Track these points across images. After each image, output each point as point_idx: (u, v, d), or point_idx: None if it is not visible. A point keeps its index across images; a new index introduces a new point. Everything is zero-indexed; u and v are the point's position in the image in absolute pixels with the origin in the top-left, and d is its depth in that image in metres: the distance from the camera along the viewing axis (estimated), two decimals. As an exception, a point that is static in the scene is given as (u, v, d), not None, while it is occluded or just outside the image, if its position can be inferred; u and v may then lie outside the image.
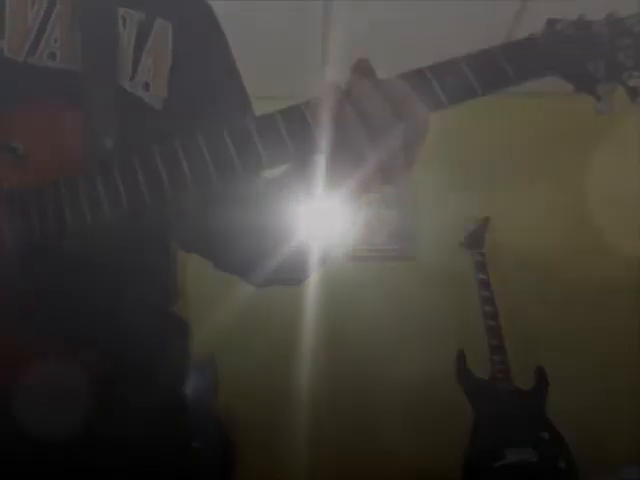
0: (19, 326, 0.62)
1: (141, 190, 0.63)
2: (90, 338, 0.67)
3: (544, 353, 2.68)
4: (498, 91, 0.67)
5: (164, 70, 0.79)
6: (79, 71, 0.73)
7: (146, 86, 0.77)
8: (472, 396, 2.51)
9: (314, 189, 0.68)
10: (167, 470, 0.76)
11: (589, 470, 2.40)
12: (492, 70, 0.66)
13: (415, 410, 2.71)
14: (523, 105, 2.79)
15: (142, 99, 0.76)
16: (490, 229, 2.77)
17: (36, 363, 0.62)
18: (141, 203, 0.63)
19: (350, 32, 2.57)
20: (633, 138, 2.75)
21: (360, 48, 2.55)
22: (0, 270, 0.62)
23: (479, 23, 2.48)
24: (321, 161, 0.66)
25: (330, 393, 2.69)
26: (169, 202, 0.64)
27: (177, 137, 0.64)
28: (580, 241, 2.85)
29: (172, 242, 0.85)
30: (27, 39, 0.72)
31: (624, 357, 2.68)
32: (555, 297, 2.79)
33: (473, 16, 2.45)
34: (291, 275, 0.83)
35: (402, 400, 2.72)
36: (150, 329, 0.75)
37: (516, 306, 2.79)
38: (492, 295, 2.60)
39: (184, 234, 0.84)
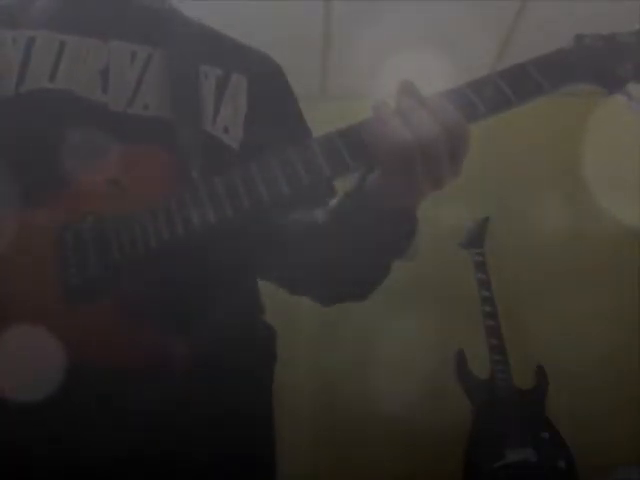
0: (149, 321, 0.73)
1: (222, 203, 0.73)
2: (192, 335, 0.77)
3: (544, 353, 2.68)
4: (533, 100, 0.74)
5: (240, 116, 0.91)
6: (168, 118, 0.86)
7: (225, 129, 0.90)
8: (472, 396, 2.51)
9: (372, 205, 0.77)
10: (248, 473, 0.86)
11: (589, 470, 2.40)
12: (526, 82, 0.74)
13: (415, 410, 2.71)
14: (523, 105, 2.79)
15: (222, 140, 0.89)
16: (490, 229, 2.77)
17: (151, 353, 0.72)
18: (223, 215, 0.73)
19: (350, 32, 2.57)
20: (632, 134, 2.76)
21: (360, 47, 2.55)
22: (131, 272, 0.74)
23: (479, 23, 2.48)
24: (376, 176, 0.75)
25: (329, 392, 2.69)
26: (248, 214, 0.74)
27: (253, 161, 0.75)
28: (581, 241, 2.86)
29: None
30: (126, 93, 0.86)
31: (624, 357, 2.68)
32: (555, 297, 2.79)
33: (473, 17, 2.45)
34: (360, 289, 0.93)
35: (402, 400, 2.72)
36: (243, 333, 0.88)
37: (516, 306, 2.79)
38: (492, 295, 2.60)
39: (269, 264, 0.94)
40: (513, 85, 0.73)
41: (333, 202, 0.84)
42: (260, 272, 0.95)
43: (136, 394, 0.73)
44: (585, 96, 2.96)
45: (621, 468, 2.44)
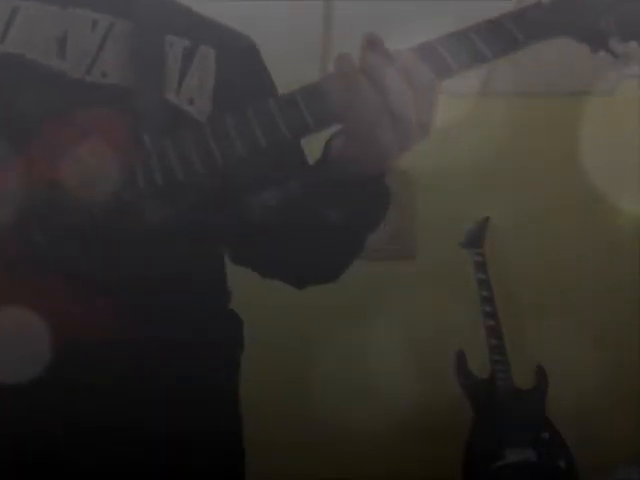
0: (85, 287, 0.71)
1: (173, 166, 0.70)
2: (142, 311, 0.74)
3: (544, 353, 2.68)
4: (509, 55, 0.70)
5: (208, 88, 0.87)
6: (127, 85, 0.82)
7: (191, 101, 0.85)
8: (472, 396, 2.51)
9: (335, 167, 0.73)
10: (205, 465, 0.84)
11: (589, 470, 2.40)
12: (502, 37, 0.69)
13: (415, 410, 2.71)
14: (523, 105, 2.79)
15: (186, 111, 0.85)
16: (490, 229, 2.77)
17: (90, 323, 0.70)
18: (173, 178, 0.70)
19: (350, 32, 2.57)
20: (632, 132, 2.76)
21: (360, 47, 2.50)
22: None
23: (478, 18, 2.48)
24: (341, 140, 0.71)
25: (329, 392, 2.69)
26: (203, 179, 0.71)
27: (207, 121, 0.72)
28: (581, 241, 2.86)
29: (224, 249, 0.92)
30: (85, 60, 0.83)
31: (625, 357, 2.68)
32: (555, 296, 2.79)
33: (473, 12, 2.45)
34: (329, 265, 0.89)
35: (401, 400, 2.72)
36: (208, 321, 0.84)
37: (516, 306, 2.79)
38: (492, 295, 2.60)
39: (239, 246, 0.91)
40: (488, 40, 0.69)
41: (304, 171, 0.82)
42: (230, 255, 0.92)
43: (87, 367, 0.72)
44: (585, 97, 2.97)
45: (621, 468, 2.44)
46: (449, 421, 2.58)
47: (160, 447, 0.77)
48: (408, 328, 2.76)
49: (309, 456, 2.64)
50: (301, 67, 2.86)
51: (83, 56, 0.83)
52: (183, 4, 0.96)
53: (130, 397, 0.75)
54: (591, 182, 2.86)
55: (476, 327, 2.57)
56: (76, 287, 0.71)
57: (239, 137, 0.69)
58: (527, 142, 2.86)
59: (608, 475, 2.44)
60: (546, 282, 2.80)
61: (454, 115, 2.53)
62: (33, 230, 0.71)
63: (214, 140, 0.70)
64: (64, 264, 0.72)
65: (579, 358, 2.71)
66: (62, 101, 0.79)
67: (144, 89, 0.83)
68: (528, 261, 2.83)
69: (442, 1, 2.40)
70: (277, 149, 0.71)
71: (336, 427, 2.67)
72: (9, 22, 0.82)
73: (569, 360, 2.68)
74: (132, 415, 0.75)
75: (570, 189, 2.85)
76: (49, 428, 0.72)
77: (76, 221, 0.71)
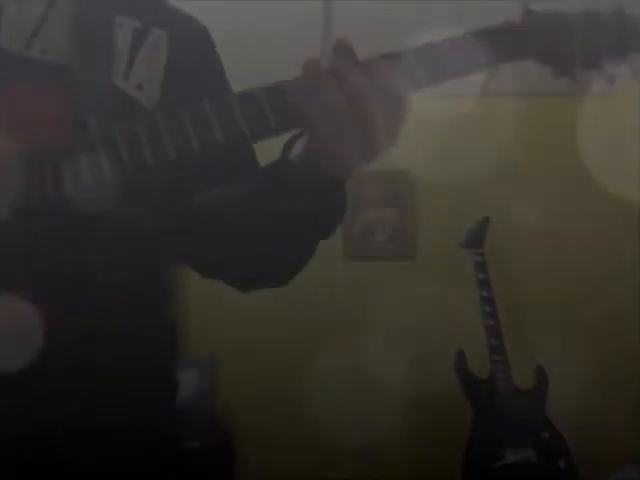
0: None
1: (124, 159, 0.65)
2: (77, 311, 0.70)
3: (544, 353, 2.68)
4: (478, 72, 0.69)
5: (158, 74, 0.82)
6: (70, 65, 0.76)
7: (139, 86, 0.80)
8: (472, 396, 2.51)
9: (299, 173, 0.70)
10: (146, 465, 0.78)
11: (589, 470, 2.40)
12: (472, 54, 0.69)
13: (415, 410, 2.71)
14: (524, 105, 2.79)
15: (134, 98, 0.80)
16: (490, 229, 2.77)
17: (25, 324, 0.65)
18: (122, 171, 0.65)
19: (350, 31, 2.58)
20: (632, 132, 2.76)
21: (360, 47, 2.52)
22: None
23: (479, 16, 2.48)
24: (305, 136, 0.68)
25: (330, 392, 2.69)
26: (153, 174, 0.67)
27: (159, 111, 0.68)
28: (582, 241, 2.85)
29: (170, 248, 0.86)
30: (24, 34, 0.77)
31: (625, 358, 2.68)
32: (555, 296, 2.79)
33: (474, 10, 2.45)
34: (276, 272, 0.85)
35: (402, 400, 2.72)
36: (142, 324, 0.78)
37: (516, 305, 2.79)
38: (492, 295, 2.60)
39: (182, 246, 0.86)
40: (457, 56, 0.69)
41: (255, 174, 0.78)
42: (174, 252, 0.87)
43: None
44: (585, 97, 2.96)
45: (621, 468, 2.44)
46: (449, 421, 2.58)
47: (97, 442, 0.73)
48: (408, 328, 2.76)
49: (309, 456, 2.64)
50: (301, 67, 2.87)
51: (21, 28, 0.77)
52: None
53: (65, 392, 0.71)
54: (591, 182, 2.86)
55: (476, 327, 2.57)
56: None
57: (194, 130, 0.66)
58: (527, 142, 2.86)
59: (608, 475, 2.44)
60: (546, 282, 2.80)
61: (454, 115, 2.54)
62: None
63: (167, 132, 0.66)
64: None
65: (579, 358, 2.71)
66: None
67: (90, 71, 0.77)
68: (528, 261, 2.83)
69: (441, 1, 2.40)
70: (231, 146, 0.68)
71: (336, 427, 2.67)
72: None
73: (569, 360, 2.68)
74: (66, 410, 0.71)
75: (570, 189, 2.84)
76: None
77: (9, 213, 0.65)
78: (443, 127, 2.54)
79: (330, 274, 2.72)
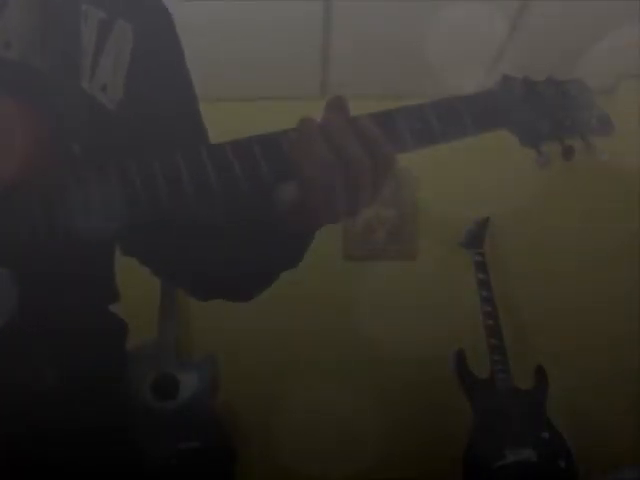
0: None
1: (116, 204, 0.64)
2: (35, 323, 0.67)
3: (544, 353, 2.68)
4: (456, 140, 0.72)
5: (121, 73, 0.78)
6: (40, 67, 0.70)
7: (103, 87, 0.76)
8: (472, 396, 2.51)
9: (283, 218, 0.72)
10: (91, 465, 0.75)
11: (589, 470, 2.40)
12: (454, 120, 0.71)
13: (415, 410, 2.71)
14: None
15: (99, 101, 0.75)
16: (490, 229, 2.77)
17: None
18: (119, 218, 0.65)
19: (351, 32, 2.57)
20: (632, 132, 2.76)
21: (360, 47, 2.53)
22: None
23: (479, 19, 2.48)
24: (291, 189, 0.69)
25: (330, 393, 2.69)
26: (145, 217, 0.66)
27: (156, 155, 0.66)
28: (582, 241, 2.86)
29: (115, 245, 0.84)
30: None
31: (625, 358, 2.68)
32: (555, 297, 2.79)
33: (473, 14, 2.45)
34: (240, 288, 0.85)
35: (402, 400, 2.72)
36: (88, 324, 0.76)
37: (516, 306, 2.79)
38: (492, 295, 2.60)
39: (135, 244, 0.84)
40: (441, 121, 0.71)
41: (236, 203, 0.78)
42: (131, 252, 0.85)
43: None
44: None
45: (621, 468, 2.44)
46: (449, 421, 2.58)
47: (48, 443, 0.71)
48: (408, 328, 2.76)
49: (309, 456, 2.64)
50: (301, 68, 2.86)
51: None
52: None
53: (15, 393, 0.68)
54: (591, 181, 2.86)
55: (476, 327, 2.57)
56: None
57: (191, 182, 0.66)
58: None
59: (608, 475, 2.44)
60: (546, 282, 2.80)
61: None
62: None
63: (164, 179, 0.65)
64: None
65: (579, 358, 2.71)
66: None
67: (59, 75, 0.71)
68: (528, 261, 2.83)
69: (441, 1, 2.40)
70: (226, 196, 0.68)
71: (336, 427, 2.67)
72: None
73: (569, 360, 2.68)
74: (19, 412, 0.68)
75: (570, 188, 2.84)
76: None
77: None
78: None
79: (330, 274, 2.72)
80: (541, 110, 0.76)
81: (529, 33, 2.56)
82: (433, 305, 2.80)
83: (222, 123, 3.09)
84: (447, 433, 2.56)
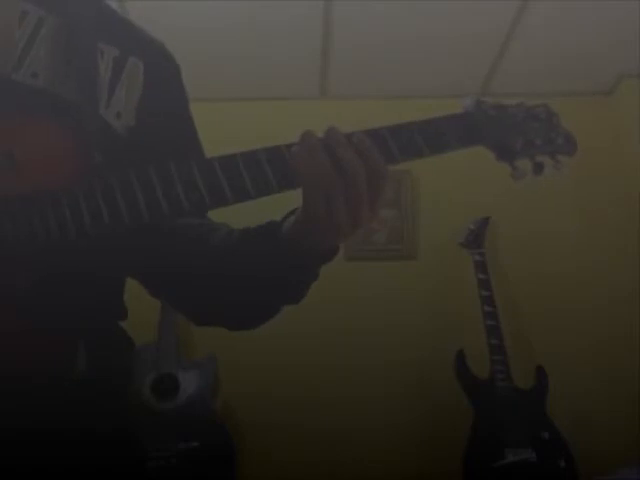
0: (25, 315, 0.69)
1: (121, 210, 0.69)
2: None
3: (544, 353, 2.68)
4: (439, 154, 0.80)
5: (134, 102, 0.86)
6: (62, 94, 0.78)
7: (118, 115, 0.84)
8: (472, 396, 2.51)
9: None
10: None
11: (589, 470, 2.40)
12: (437, 136, 0.79)
13: (415, 409, 2.71)
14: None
15: (113, 127, 0.83)
16: (490, 229, 2.77)
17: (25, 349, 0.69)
18: (121, 222, 0.69)
19: (351, 32, 2.57)
20: (632, 132, 2.76)
21: (360, 47, 2.54)
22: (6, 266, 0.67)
23: (479, 19, 2.48)
24: (297, 213, 0.75)
25: (330, 393, 2.69)
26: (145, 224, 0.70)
27: (152, 165, 0.70)
28: (582, 241, 2.86)
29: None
30: (11, 55, 0.76)
31: (625, 357, 2.68)
32: (555, 297, 2.79)
33: (473, 14, 2.45)
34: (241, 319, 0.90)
35: (402, 399, 2.72)
36: (99, 339, 0.80)
37: (516, 306, 2.79)
38: (492, 295, 2.60)
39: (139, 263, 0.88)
40: (425, 137, 0.78)
41: (248, 228, 0.83)
42: (131, 273, 0.89)
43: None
44: (585, 97, 2.97)
45: (621, 468, 2.44)
46: (449, 421, 2.58)
47: (55, 446, 0.74)
48: (408, 328, 2.76)
49: (309, 455, 2.64)
50: (301, 68, 2.87)
51: (11, 48, 0.76)
52: (110, 6, 0.93)
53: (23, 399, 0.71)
54: (591, 181, 2.86)
55: (476, 327, 2.57)
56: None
57: (206, 189, 0.70)
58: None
59: (608, 475, 2.44)
60: (546, 282, 2.80)
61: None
62: None
63: (181, 185, 0.70)
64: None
65: (579, 358, 2.71)
66: None
67: (82, 102, 0.79)
68: (528, 261, 2.83)
69: (441, 1, 2.40)
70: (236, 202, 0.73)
71: (337, 427, 2.67)
72: None
73: (569, 360, 2.69)
74: (29, 416, 0.72)
75: (570, 188, 2.85)
76: None
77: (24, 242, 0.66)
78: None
79: (330, 274, 2.72)
80: (514, 130, 0.85)
81: (529, 33, 2.56)
82: (433, 305, 2.80)
83: (222, 123, 3.11)
84: (447, 433, 2.56)
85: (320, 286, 0.89)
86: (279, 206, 0.83)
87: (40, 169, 0.69)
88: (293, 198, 0.74)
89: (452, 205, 2.83)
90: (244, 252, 0.80)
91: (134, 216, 0.69)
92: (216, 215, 0.86)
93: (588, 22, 2.47)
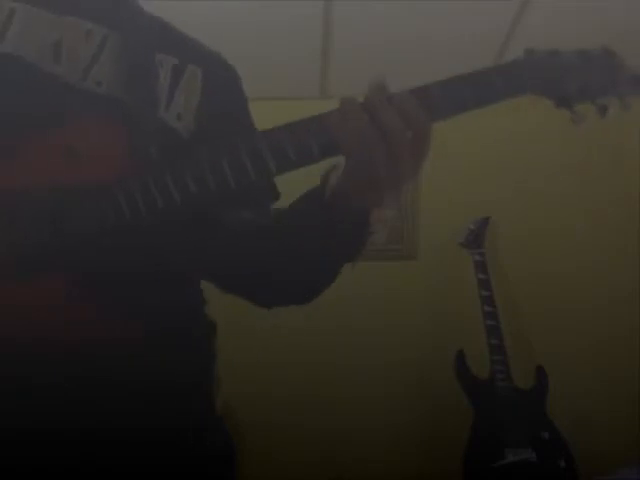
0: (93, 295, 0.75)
1: (187, 184, 0.74)
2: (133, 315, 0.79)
3: (544, 353, 2.68)
4: (487, 106, 0.78)
5: (193, 106, 0.92)
6: (123, 98, 0.85)
7: (179, 117, 0.90)
8: (472, 396, 2.51)
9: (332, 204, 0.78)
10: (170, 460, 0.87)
11: (589, 470, 2.40)
12: (487, 88, 0.78)
13: (415, 409, 2.71)
14: (525, 105, 2.79)
15: (174, 128, 0.89)
16: (490, 229, 2.77)
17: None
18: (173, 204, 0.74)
19: (351, 32, 2.57)
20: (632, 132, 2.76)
21: (360, 47, 2.53)
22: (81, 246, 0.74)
23: (479, 19, 2.48)
24: (340, 173, 0.77)
25: (330, 393, 2.70)
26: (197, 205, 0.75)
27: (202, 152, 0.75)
28: (582, 241, 2.86)
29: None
30: (79, 67, 0.85)
31: (625, 357, 2.68)
32: (555, 297, 2.79)
33: (473, 14, 2.45)
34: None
35: (401, 399, 2.72)
36: (183, 324, 0.87)
37: (516, 306, 2.79)
38: (492, 295, 2.60)
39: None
40: (474, 89, 0.77)
41: (292, 201, 0.86)
42: (200, 267, 0.94)
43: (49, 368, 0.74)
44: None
45: (621, 468, 2.44)
46: (449, 421, 2.58)
47: (130, 445, 0.81)
48: (408, 328, 2.76)
49: (310, 455, 2.64)
50: (301, 68, 2.86)
51: (78, 63, 0.85)
52: (163, 19, 1.00)
53: (99, 396, 0.78)
54: (591, 181, 2.86)
55: (476, 327, 2.57)
56: (76, 290, 0.73)
57: (250, 159, 0.73)
58: (527, 142, 2.86)
59: (608, 475, 2.44)
60: (546, 282, 2.80)
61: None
62: (40, 231, 0.72)
63: (227, 161, 0.74)
64: (68, 267, 0.73)
65: (579, 358, 2.71)
66: (58, 105, 0.81)
67: (140, 105, 0.85)
68: (528, 261, 2.83)
69: (441, 1, 2.40)
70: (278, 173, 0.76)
71: (337, 427, 2.67)
72: (7, 23, 0.83)
73: (569, 360, 2.69)
74: (100, 413, 0.78)
75: (570, 188, 2.85)
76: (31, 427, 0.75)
77: (83, 226, 0.73)
78: (443, 126, 2.54)
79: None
80: (569, 74, 0.81)
81: (529, 33, 2.56)
82: (433, 305, 2.80)
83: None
84: (447, 433, 2.56)
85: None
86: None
87: (98, 163, 0.76)
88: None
89: (452, 205, 2.83)
90: (295, 224, 0.84)
91: (200, 187, 0.73)
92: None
93: (588, 22, 2.47)
